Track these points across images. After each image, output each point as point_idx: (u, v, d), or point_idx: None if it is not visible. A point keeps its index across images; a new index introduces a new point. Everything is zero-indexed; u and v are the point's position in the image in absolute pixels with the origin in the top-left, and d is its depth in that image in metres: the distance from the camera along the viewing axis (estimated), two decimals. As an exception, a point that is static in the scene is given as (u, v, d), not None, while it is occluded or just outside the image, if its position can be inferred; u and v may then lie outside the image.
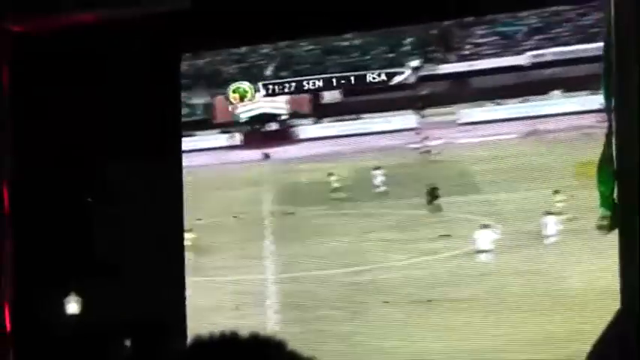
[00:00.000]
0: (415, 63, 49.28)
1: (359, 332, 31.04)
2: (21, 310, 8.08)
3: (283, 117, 53.75)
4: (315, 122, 51.96)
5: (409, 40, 51.31)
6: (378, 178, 41.05)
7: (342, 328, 31.87)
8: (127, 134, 7.75)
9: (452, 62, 49.56)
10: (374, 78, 53.66)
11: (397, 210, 37.68)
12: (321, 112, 52.06)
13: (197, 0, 7.14)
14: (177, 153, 8.12)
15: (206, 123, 55.19)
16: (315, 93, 53.81)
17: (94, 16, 7.31)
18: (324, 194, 41.01)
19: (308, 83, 54.85)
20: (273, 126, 53.99)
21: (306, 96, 52.41)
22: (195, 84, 55.95)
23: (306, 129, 51.99)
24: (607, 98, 5.29)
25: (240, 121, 53.94)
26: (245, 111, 54.55)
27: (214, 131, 54.88)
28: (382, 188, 41.10)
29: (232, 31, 7.45)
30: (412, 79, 49.22)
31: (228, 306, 33.13)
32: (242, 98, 55.08)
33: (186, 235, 35.82)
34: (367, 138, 48.41)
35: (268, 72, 53.98)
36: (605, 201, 5.46)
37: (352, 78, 54.47)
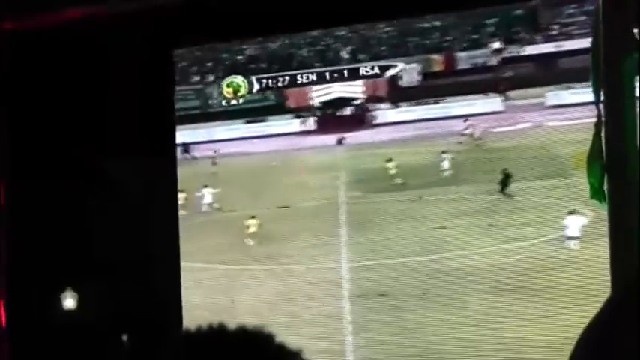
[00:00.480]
0: (497, 44, 47.32)
1: (439, 321, 29.78)
2: (17, 306, 7.59)
3: (359, 101, 52.21)
4: (393, 106, 50.47)
5: (492, 20, 49.21)
6: (446, 162, 39.97)
7: (421, 318, 29.76)
8: (121, 131, 7.20)
9: (538, 43, 47.59)
10: (367, 71, 52.61)
11: (479, 195, 36.37)
12: (398, 95, 50.44)
13: None
14: (172, 149, 7.69)
15: (278, 108, 53.86)
16: (393, 76, 52.11)
17: (85, 12, 6.70)
18: (406, 178, 39.73)
19: (301, 77, 53.97)
20: (348, 110, 52.53)
21: (383, 79, 50.85)
22: (268, 69, 54.23)
23: (383, 113, 50.45)
24: (595, 91, 4.82)
25: (315, 106, 52.55)
26: (319, 95, 53.02)
27: (287, 116, 53.57)
28: (449, 172, 39.83)
29: (229, 25, 6.77)
30: (495, 61, 47.30)
31: (300, 294, 32.11)
32: (235, 92, 54.22)
33: (250, 222, 35.06)
34: (448, 122, 46.65)
35: (344, 55, 52.52)
36: (596, 193, 4.97)
37: (345, 71, 53.28)
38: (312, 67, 52.19)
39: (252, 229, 35.39)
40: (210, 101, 53.59)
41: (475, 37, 50.42)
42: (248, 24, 7.14)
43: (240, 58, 54.22)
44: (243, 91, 53.34)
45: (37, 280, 7.51)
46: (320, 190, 40.44)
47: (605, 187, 4.78)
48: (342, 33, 53.68)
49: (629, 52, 4.55)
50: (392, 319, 29.60)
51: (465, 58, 49.51)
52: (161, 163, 7.62)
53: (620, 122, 4.60)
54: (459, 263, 32.48)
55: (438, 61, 49.70)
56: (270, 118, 50.11)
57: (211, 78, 54.11)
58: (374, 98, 48.92)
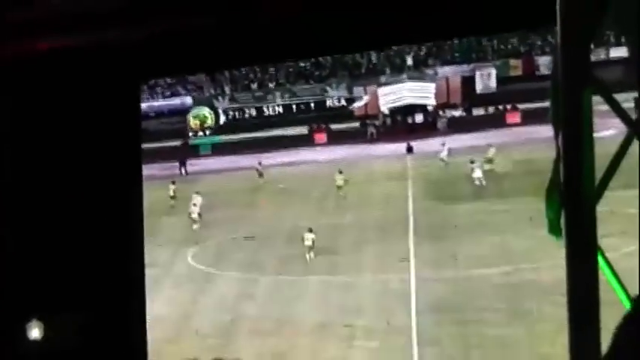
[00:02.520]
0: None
1: (518, 336, 28.78)
2: None
3: (430, 108, 51.07)
4: (466, 112, 49.19)
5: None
6: (478, 171, 38.92)
7: (499, 332, 29.53)
8: (88, 160, 6.84)
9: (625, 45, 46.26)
10: (333, 104, 52.60)
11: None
12: (472, 101, 49.21)
13: (156, 27, 6.00)
14: (138, 183, 7.42)
15: (346, 115, 53.11)
16: (468, 81, 51.07)
17: (52, 44, 6.31)
18: (474, 189, 38.67)
19: (268, 109, 54.10)
20: (419, 117, 51.43)
21: (457, 84, 49.66)
22: (334, 75, 53.86)
23: (455, 120, 49.14)
24: (554, 123, 4.67)
25: (385, 113, 51.76)
26: (389, 102, 52.08)
27: (354, 123, 52.78)
28: (481, 182, 38.95)
29: (192, 58, 6.51)
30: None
31: (371, 307, 31.36)
32: (202, 123, 54.41)
33: (307, 236, 34.33)
34: (525, 129, 45.14)
35: (408, 62, 51.64)
36: (554, 228, 4.79)
37: (312, 104, 53.31)
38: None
39: (307, 243, 34.71)
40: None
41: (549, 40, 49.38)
42: (216, 56, 7.02)
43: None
44: (209, 122, 53.71)
45: (3, 310, 7.35)
46: (388, 200, 39.66)
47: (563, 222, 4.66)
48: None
49: (588, 86, 4.46)
50: (469, 332, 28.73)
51: (545, 63, 48.43)
52: (127, 191, 7.47)
53: (578, 157, 4.50)
54: (537, 275, 31.86)
55: (515, 65, 48.70)
56: (334, 125, 49.82)
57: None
58: (445, 104, 48.06)
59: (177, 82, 54.66)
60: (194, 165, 49.77)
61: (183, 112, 53.48)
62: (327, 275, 34.30)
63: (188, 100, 55.22)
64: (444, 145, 43.12)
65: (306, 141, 49.94)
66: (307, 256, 35.01)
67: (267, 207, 41.49)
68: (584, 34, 5.07)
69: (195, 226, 39.12)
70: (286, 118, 51.62)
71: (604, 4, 4.76)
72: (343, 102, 51.75)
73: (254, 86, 54.80)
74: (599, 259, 4.93)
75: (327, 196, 41.57)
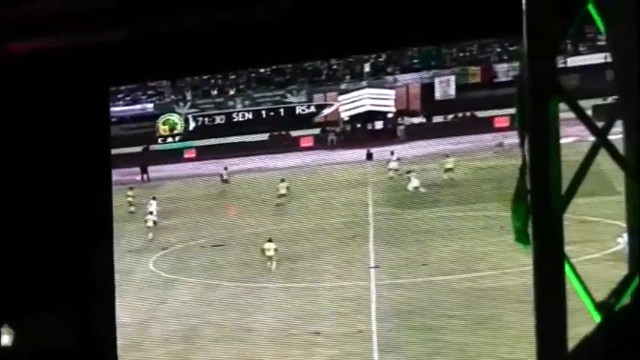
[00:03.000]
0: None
1: (479, 343, 28.81)
2: None
3: (390, 115, 51.14)
4: (426, 119, 49.35)
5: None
6: (415, 180, 39.41)
7: (460, 338, 28.91)
8: (58, 163, 6.78)
9: (584, 54, 46.49)
10: (303, 110, 53.01)
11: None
12: (431, 109, 49.35)
13: (129, 33, 5.97)
14: (107, 186, 7.36)
15: (306, 122, 53.03)
16: (427, 88, 51.20)
17: (26, 47, 6.28)
18: (434, 195, 38.83)
19: (237, 115, 54.25)
20: (378, 124, 51.44)
21: (416, 91, 49.80)
22: (294, 82, 53.88)
23: (415, 127, 49.29)
24: (520, 130, 5.02)
25: (345, 120, 51.72)
26: (348, 109, 52.08)
27: (314, 130, 52.72)
28: (420, 190, 39.33)
29: (164, 64, 6.48)
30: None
31: (328, 313, 31.33)
32: (172, 129, 54.49)
33: (268, 245, 34.24)
34: (485, 136, 45.52)
35: (367, 69, 51.68)
36: (520, 236, 5.14)
37: (282, 110, 53.68)
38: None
39: (268, 253, 34.53)
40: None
41: (515, 47, 49.59)
42: (187, 62, 7.02)
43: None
44: (179, 128, 53.68)
45: None
46: (349, 207, 39.66)
47: (530, 230, 4.84)
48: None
49: (554, 95, 4.70)
50: (431, 338, 28.79)
51: (503, 70, 48.67)
52: (96, 194, 7.43)
53: (545, 165, 4.68)
54: (496, 282, 31.99)
55: (474, 72, 48.88)
56: (294, 132, 49.71)
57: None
58: (405, 112, 48.13)
59: (137, 88, 54.34)
60: (159, 172, 49.51)
61: (144, 118, 53.14)
62: (287, 282, 34.23)
63: (149, 106, 54.92)
64: (392, 153, 43.28)
65: (277, 147, 49.94)
66: (269, 264, 34.80)
67: (228, 213, 41.36)
68: (550, 43, 5.13)
69: (150, 235, 38.97)
70: (253, 124, 51.49)
71: (569, 14, 4.82)
72: (313, 109, 51.74)
73: (214, 92, 54.63)
74: (566, 266, 4.99)
75: (289, 203, 41.53)
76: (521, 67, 5.00)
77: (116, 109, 51.59)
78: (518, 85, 4.99)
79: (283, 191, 41.93)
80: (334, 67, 53.10)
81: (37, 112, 6.85)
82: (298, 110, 52.19)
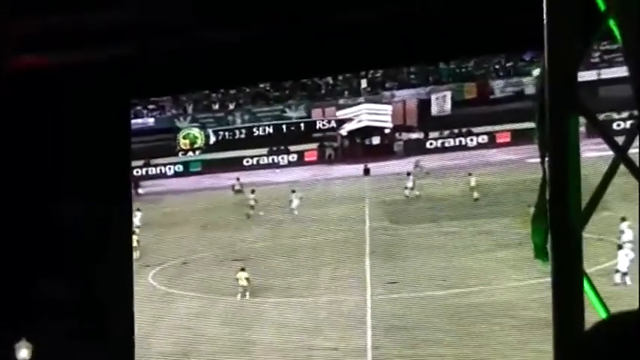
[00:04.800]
0: (536, 72, 46.53)
1: (469, 356, 28.71)
2: None
3: (387, 130, 51.03)
4: (423, 135, 49.18)
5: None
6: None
7: (451, 352, 28.53)
8: (77, 176, 6.67)
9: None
10: (323, 125, 52.66)
11: (508, 228, 35.26)
12: (429, 124, 49.26)
13: (146, 46, 5.90)
14: (127, 197, 7.26)
15: (303, 137, 52.96)
16: (424, 104, 51.18)
17: (44, 60, 6.17)
18: (429, 211, 38.77)
19: (258, 130, 53.86)
20: (376, 140, 51.33)
21: (413, 107, 49.77)
22: (293, 97, 53.79)
23: (412, 142, 49.21)
24: (540, 147, 5.00)
25: (343, 135, 51.62)
26: (347, 124, 51.65)
27: (312, 145, 52.60)
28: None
29: (183, 77, 6.40)
30: (531, 89, 46.28)
31: (326, 327, 31.25)
32: (192, 144, 53.87)
33: (240, 275, 33.76)
34: (479, 152, 45.46)
35: (364, 85, 51.63)
36: (539, 253, 5.03)
37: (302, 125, 53.31)
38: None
39: (241, 282, 34.28)
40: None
41: (510, 64, 49.65)
42: (208, 76, 6.94)
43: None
44: (199, 143, 53.18)
45: None
46: (345, 221, 39.54)
47: (549, 247, 4.78)
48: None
49: (574, 113, 4.65)
50: (420, 353, 28.71)
51: (500, 87, 48.68)
52: (116, 212, 7.32)
53: (565, 182, 4.65)
54: (487, 297, 31.84)
55: (470, 88, 48.87)
56: (292, 147, 49.57)
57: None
58: (402, 127, 48.05)
59: (138, 103, 54.09)
60: (158, 186, 49.44)
61: (144, 132, 52.79)
62: (283, 297, 34.12)
63: (150, 120, 54.62)
64: (409, 174, 43.07)
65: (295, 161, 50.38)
66: (240, 296, 33.95)
67: (225, 228, 41.22)
68: (571, 59, 5.06)
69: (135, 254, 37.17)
70: (272, 139, 51.37)
71: (591, 30, 4.74)
72: (333, 123, 51.71)
73: (215, 107, 54.48)
74: (585, 283, 4.90)
75: (285, 217, 41.43)
76: (541, 82, 4.85)
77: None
78: (539, 101, 4.87)
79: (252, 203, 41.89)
80: (332, 82, 53.09)
81: (58, 125, 6.76)
82: (319, 125, 52.00)
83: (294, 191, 42.45)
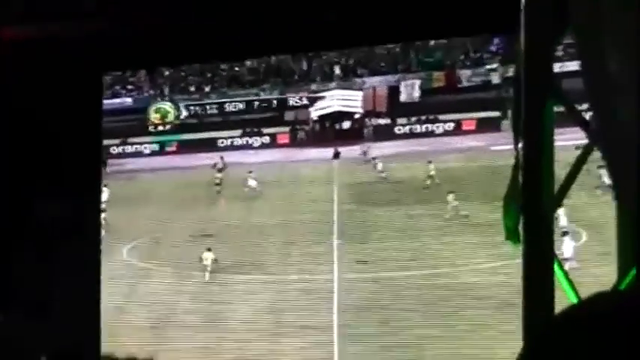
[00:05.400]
0: (496, 64, 46.52)
1: (437, 335, 28.79)
2: None
3: (357, 115, 50.82)
4: (391, 121, 49.15)
5: (497, 40, 48.36)
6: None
7: (417, 332, 28.50)
8: (47, 155, 6.47)
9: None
10: (296, 102, 52.26)
11: (478, 212, 35.30)
12: (397, 110, 49.19)
13: (116, 20, 5.71)
14: (97, 175, 7.08)
15: (275, 120, 52.66)
16: (394, 91, 51.07)
17: (16, 32, 5.95)
18: (400, 193, 38.74)
19: (229, 105, 53.22)
20: (346, 124, 51.11)
21: (383, 94, 49.65)
22: (266, 81, 53.34)
23: (381, 127, 49.10)
24: (514, 131, 4.90)
25: (314, 119, 51.34)
26: (317, 109, 51.69)
27: (283, 128, 52.34)
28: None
29: (156, 51, 6.21)
30: (497, 80, 46.34)
31: (295, 305, 31.17)
32: (163, 118, 53.04)
33: (206, 255, 33.38)
34: (446, 139, 45.41)
35: (337, 71, 51.36)
36: (511, 235, 5.02)
37: (274, 101, 52.67)
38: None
39: (205, 262, 33.84)
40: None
41: (477, 55, 49.66)
42: (180, 50, 6.72)
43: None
44: (171, 117, 52.40)
45: None
46: (315, 203, 39.43)
47: (520, 228, 4.75)
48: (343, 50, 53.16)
49: (549, 96, 4.61)
50: (387, 331, 28.71)
51: (467, 76, 48.70)
52: (87, 189, 7.08)
53: (538, 166, 4.59)
54: (452, 279, 31.66)
55: (438, 77, 48.86)
56: (266, 130, 49.26)
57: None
58: (372, 113, 47.95)
59: (116, 82, 53.57)
60: (132, 164, 48.91)
61: (122, 111, 52.16)
62: (254, 274, 34.00)
63: (128, 100, 53.99)
64: (374, 159, 43.09)
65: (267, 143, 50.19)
66: (205, 274, 33.61)
67: (200, 206, 40.99)
68: (548, 44, 4.94)
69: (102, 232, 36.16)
70: (246, 122, 50.81)
71: (566, 15, 4.61)
72: (305, 101, 51.89)
73: (192, 89, 54.02)
74: (555, 265, 4.79)
75: (257, 198, 41.26)
76: (518, 68, 4.73)
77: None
78: (515, 86, 4.75)
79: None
80: (305, 67, 52.90)
81: (28, 99, 6.52)
82: (291, 102, 51.47)
83: (250, 172, 42.25)
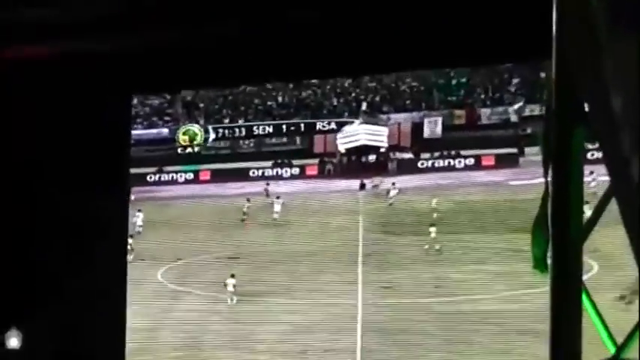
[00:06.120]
0: (520, 103, 46.22)
1: None
2: None
3: (382, 149, 50.60)
4: (415, 156, 48.78)
5: (516, 80, 48.11)
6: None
7: (437, 356, 28.51)
8: (76, 170, 6.29)
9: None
10: (323, 126, 51.59)
11: (497, 243, 34.96)
12: (421, 145, 48.86)
13: (152, 41, 5.55)
14: (125, 191, 6.89)
15: (304, 152, 52.46)
16: (418, 127, 50.69)
17: (47, 50, 5.80)
18: (421, 225, 38.50)
19: (258, 128, 52.51)
20: (372, 157, 50.90)
21: (407, 130, 49.37)
22: (296, 114, 53.14)
23: (405, 161, 48.79)
24: (544, 159, 4.52)
25: (341, 152, 51.09)
26: (345, 142, 51.47)
27: (313, 160, 52.14)
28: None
29: (187, 74, 6.02)
30: (515, 118, 46.08)
31: (323, 327, 30.95)
32: (191, 140, 52.48)
33: (229, 281, 33.06)
34: (466, 173, 45.10)
35: (364, 107, 51.14)
36: (539, 264, 4.64)
37: (302, 125, 52.00)
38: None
39: (229, 288, 33.63)
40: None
41: (497, 95, 49.62)
42: (211, 73, 6.54)
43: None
44: (199, 139, 52.20)
45: None
46: (341, 232, 39.25)
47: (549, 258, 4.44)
48: (368, 85, 53.22)
49: (579, 125, 4.29)
50: (408, 355, 28.39)
51: (486, 114, 48.62)
52: (113, 203, 6.91)
53: (567, 195, 4.28)
54: (473, 306, 31.32)
55: (459, 115, 48.80)
56: (295, 161, 49.11)
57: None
58: (396, 147, 47.81)
59: (154, 114, 53.70)
60: (167, 191, 48.89)
61: (159, 141, 52.13)
62: (283, 298, 33.84)
63: (165, 131, 53.95)
64: (394, 184, 42.97)
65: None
66: (229, 300, 33.46)
67: (231, 232, 40.91)
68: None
69: (130, 257, 31.36)
70: (270, 136, 50.83)
71: (599, 42, 4.40)
72: (333, 125, 51.81)
73: (226, 121, 53.96)
74: (584, 297, 4.55)
75: (287, 226, 41.15)
76: (548, 96, 4.51)
77: (134, 132, 50.71)
78: (545, 113, 4.53)
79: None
80: (334, 103, 52.97)
81: (58, 115, 6.37)
82: (319, 126, 51.55)
83: (278, 197, 42.39)
